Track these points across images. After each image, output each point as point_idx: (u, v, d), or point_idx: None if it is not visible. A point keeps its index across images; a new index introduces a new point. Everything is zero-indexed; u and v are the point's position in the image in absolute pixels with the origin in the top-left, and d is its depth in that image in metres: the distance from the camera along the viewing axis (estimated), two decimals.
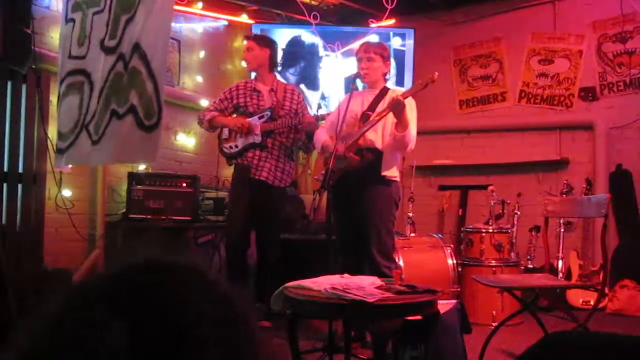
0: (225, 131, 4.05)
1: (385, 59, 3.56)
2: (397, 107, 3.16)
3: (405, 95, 3.23)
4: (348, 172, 3.37)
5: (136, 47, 2.89)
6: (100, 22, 3.19)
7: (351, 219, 3.47)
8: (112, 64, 3.04)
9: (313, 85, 5.37)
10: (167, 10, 2.88)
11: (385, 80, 3.64)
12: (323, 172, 3.43)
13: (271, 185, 3.97)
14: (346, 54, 5.26)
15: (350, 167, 3.37)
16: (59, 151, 3.44)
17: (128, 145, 2.92)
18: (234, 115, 4.05)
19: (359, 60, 3.52)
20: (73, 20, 3.40)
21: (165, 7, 2.86)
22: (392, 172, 3.48)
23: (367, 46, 3.59)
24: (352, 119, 3.46)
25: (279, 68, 5.27)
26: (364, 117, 3.46)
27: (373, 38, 5.21)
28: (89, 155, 3.18)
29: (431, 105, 5.54)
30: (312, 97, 5.33)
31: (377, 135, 3.42)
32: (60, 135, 3.41)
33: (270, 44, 4.12)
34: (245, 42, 4.14)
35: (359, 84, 3.63)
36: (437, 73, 3.21)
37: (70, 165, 3.73)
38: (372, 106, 3.49)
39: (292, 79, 5.34)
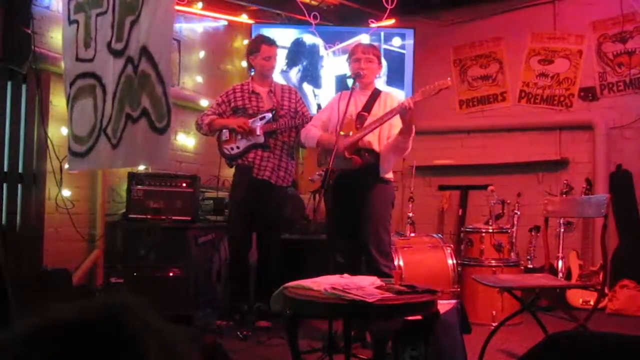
0: (225, 133, 4.04)
1: (379, 61, 3.62)
2: (407, 113, 3.13)
3: (415, 99, 3.16)
4: (346, 172, 3.37)
5: (144, 51, 2.90)
6: (104, 23, 3.19)
7: (348, 218, 3.47)
8: (121, 67, 3.06)
9: (315, 82, 5.41)
10: (170, 13, 2.89)
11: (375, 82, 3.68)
12: (319, 173, 3.43)
13: (273, 185, 3.98)
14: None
15: (350, 168, 3.37)
16: (76, 154, 3.44)
17: (144, 148, 2.95)
18: (234, 117, 4.04)
19: (357, 60, 3.51)
20: (77, 22, 3.41)
21: (168, 9, 2.87)
22: (389, 174, 3.51)
23: (365, 47, 3.61)
24: (347, 119, 3.45)
25: (285, 67, 5.29)
26: (360, 118, 3.45)
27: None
28: (110, 159, 3.20)
29: (431, 105, 5.54)
30: (314, 94, 5.38)
31: (375, 137, 3.42)
32: (77, 139, 3.42)
33: None
34: (269, 47, 4.03)
35: (350, 82, 3.65)
36: (449, 79, 3.20)
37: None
38: (367, 107, 3.49)
39: (296, 77, 5.38)
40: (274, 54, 4.04)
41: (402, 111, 3.14)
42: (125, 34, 3.04)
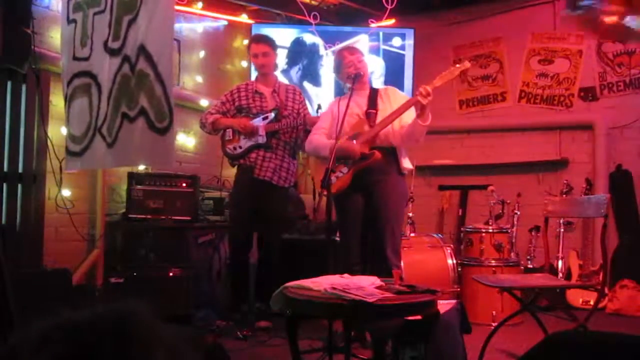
0: (229, 132, 4.04)
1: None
2: (427, 98, 3.23)
3: (434, 85, 3.27)
4: (366, 169, 3.37)
5: (142, 50, 2.89)
6: (101, 22, 3.19)
7: (362, 218, 3.47)
8: (118, 66, 3.04)
9: (315, 81, 5.42)
10: (170, 12, 2.88)
11: None
12: (341, 171, 3.42)
13: (275, 185, 3.98)
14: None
15: (374, 163, 3.37)
16: (73, 154, 3.43)
17: (142, 147, 2.93)
18: (238, 116, 4.04)
19: (350, 64, 3.53)
20: (75, 21, 3.40)
21: (168, 9, 2.86)
22: (408, 164, 3.54)
23: (350, 49, 3.71)
24: (356, 119, 3.45)
25: (285, 67, 5.30)
26: (369, 116, 3.46)
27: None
28: (105, 159, 3.18)
29: (431, 105, 5.53)
30: (314, 92, 5.38)
31: (389, 130, 3.43)
32: (74, 138, 3.41)
33: (277, 47, 4.14)
34: (256, 45, 4.02)
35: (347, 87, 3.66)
36: (469, 61, 3.36)
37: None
38: (372, 105, 3.50)
39: (296, 76, 5.40)
40: (261, 52, 4.00)
41: (421, 99, 3.22)
42: (122, 32, 3.03)
